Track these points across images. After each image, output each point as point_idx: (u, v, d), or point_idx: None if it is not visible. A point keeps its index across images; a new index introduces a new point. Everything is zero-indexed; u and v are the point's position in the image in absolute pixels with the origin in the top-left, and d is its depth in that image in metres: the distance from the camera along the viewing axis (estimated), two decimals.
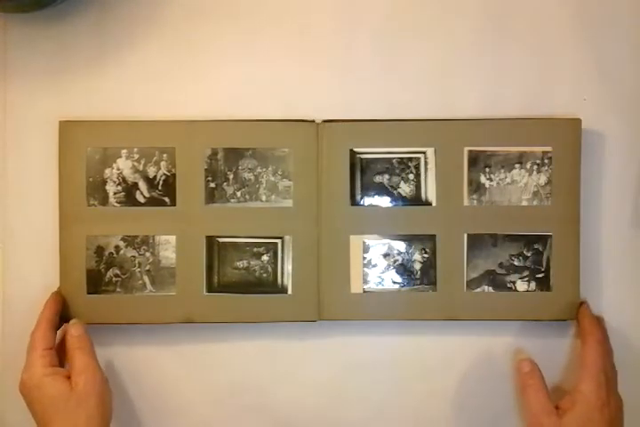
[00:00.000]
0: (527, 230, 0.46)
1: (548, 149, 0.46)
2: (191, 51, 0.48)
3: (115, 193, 0.46)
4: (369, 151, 0.47)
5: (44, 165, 0.48)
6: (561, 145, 0.46)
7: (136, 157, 0.46)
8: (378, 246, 0.47)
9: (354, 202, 0.47)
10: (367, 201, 0.47)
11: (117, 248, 0.46)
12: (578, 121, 0.46)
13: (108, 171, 0.46)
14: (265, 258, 0.46)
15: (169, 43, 0.48)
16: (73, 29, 0.48)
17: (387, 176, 0.47)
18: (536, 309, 0.46)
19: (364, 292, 0.46)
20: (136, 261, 0.46)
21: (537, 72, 0.48)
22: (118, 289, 0.46)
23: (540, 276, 0.46)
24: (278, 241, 0.46)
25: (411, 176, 0.47)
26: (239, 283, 0.46)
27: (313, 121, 0.47)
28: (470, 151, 0.46)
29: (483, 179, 0.46)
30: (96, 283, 0.46)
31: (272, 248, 0.46)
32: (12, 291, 0.48)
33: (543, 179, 0.46)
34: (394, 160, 0.47)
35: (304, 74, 0.48)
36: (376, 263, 0.47)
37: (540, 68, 0.48)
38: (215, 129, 0.47)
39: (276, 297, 0.46)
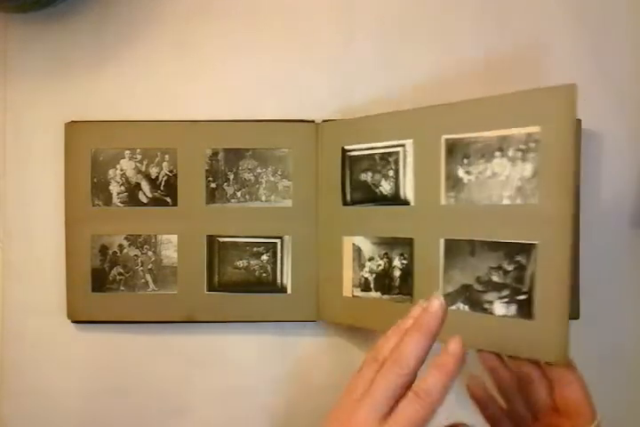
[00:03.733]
0: (508, 237, 0.37)
1: (535, 129, 0.35)
2: (191, 51, 0.48)
3: (118, 193, 0.47)
4: (356, 148, 0.45)
5: (44, 165, 0.48)
6: (553, 124, 0.35)
7: (139, 157, 0.47)
8: (365, 249, 0.44)
9: (345, 202, 0.45)
10: (355, 201, 0.45)
11: (121, 247, 0.47)
12: (572, 87, 0.35)
13: (111, 171, 0.47)
14: (264, 258, 0.47)
15: (169, 43, 0.48)
16: (73, 29, 0.48)
17: (370, 174, 0.44)
18: (514, 340, 0.37)
19: (353, 296, 0.45)
20: (139, 260, 0.47)
21: (537, 72, 0.48)
22: (122, 287, 0.47)
23: (521, 298, 0.36)
24: (277, 241, 0.47)
25: (390, 173, 0.43)
26: (239, 282, 0.47)
27: (313, 121, 0.47)
28: (447, 140, 0.39)
29: (460, 172, 0.39)
30: (100, 281, 0.47)
31: (271, 248, 0.47)
32: (12, 291, 0.49)
33: (529, 169, 0.36)
34: (376, 156, 0.43)
35: (304, 74, 0.48)
36: (363, 267, 0.44)
37: (540, 68, 0.48)
38: (216, 130, 0.47)
39: (276, 297, 0.47)
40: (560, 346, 0.35)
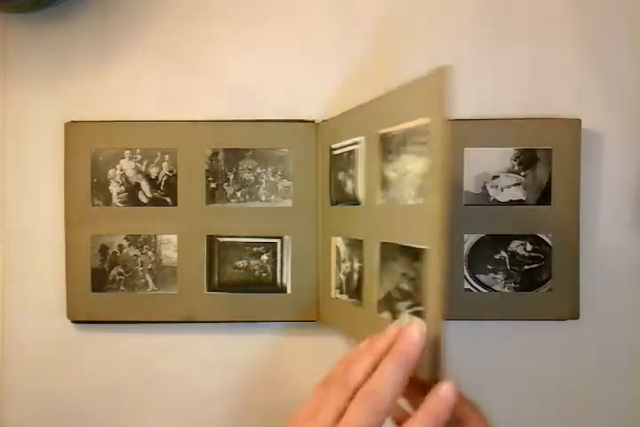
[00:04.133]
0: (411, 240, 0.33)
1: (426, 120, 0.31)
2: (191, 51, 0.48)
3: (118, 193, 0.47)
4: (336, 147, 0.43)
5: (44, 165, 0.48)
6: (435, 114, 0.30)
7: (139, 157, 0.47)
8: (341, 250, 0.43)
9: (331, 201, 0.45)
10: (337, 200, 0.44)
11: (121, 247, 0.47)
12: (444, 71, 0.30)
13: (111, 171, 0.47)
14: (264, 258, 0.47)
15: (169, 43, 0.48)
16: (73, 29, 0.48)
17: (342, 173, 0.43)
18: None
19: (336, 298, 0.44)
20: (138, 260, 0.47)
21: (537, 72, 0.48)
22: (122, 287, 0.47)
23: (419, 309, 0.32)
24: (277, 241, 0.47)
25: (351, 171, 0.41)
26: (239, 282, 0.47)
27: (313, 121, 0.47)
28: (381, 135, 0.36)
29: (388, 170, 0.36)
30: (100, 281, 0.47)
31: (271, 248, 0.47)
32: (11, 291, 0.49)
33: (426, 165, 0.32)
34: (344, 154, 0.42)
35: (304, 74, 0.48)
36: (340, 269, 0.43)
37: (540, 68, 0.48)
38: (216, 130, 0.47)
39: (276, 296, 0.47)
40: (431, 364, 0.30)
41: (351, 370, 0.29)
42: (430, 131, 0.31)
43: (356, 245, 0.40)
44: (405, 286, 0.33)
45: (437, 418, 0.27)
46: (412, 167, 0.33)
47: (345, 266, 0.42)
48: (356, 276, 0.40)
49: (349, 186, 0.41)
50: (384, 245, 0.36)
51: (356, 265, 0.40)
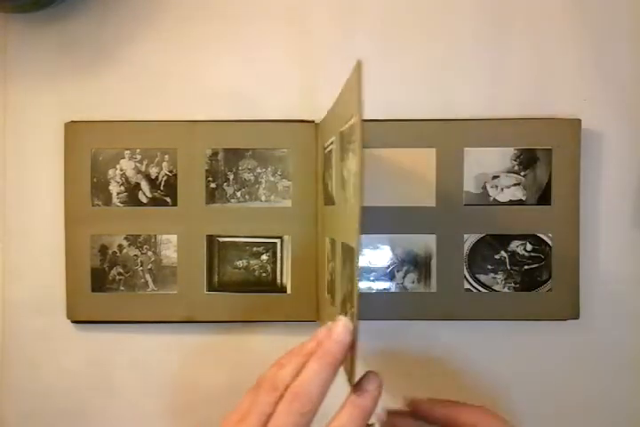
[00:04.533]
0: (349, 239, 0.32)
1: (355, 119, 0.29)
2: (191, 51, 0.48)
3: (118, 193, 0.47)
4: (325, 146, 0.42)
5: (44, 165, 0.48)
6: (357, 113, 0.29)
7: (138, 157, 0.47)
8: (329, 250, 0.41)
9: (325, 201, 0.44)
10: (326, 201, 0.43)
11: (120, 247, 0.47)
12: (358, 65, 0.28)
13: (111, 171, 0.47)
14: (264, 257, 0.47)
15: (169, 43, 0.48)
16: (73, 29, 0.48)
17: (327, 173, 0.42)
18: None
19: (326, 298, 0.43)
20: (138, 260, 0.47)
21: (537, 72, 0.48)
22: (121, 287, 0.47)
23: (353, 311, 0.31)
24: (277, 241, 0.47)
25: (330, 171, 0.40)
26: (239, 282, 0.47)
27: (313, 121, 0.47)
28: (340, 133, 0.35)
29: (344, 169, 0.34)
30: (100, 281, 0.47)
31: (271, 248, 0.47)
32: (11, 291, 0.49)
33: (354, 164, 0.30)
34: (327, 155, 0.41)
35: (304, 74, 0.48)
36: (327, 269, 0.42)
37: (540, 68, 0.48)
38: (215, 130, 0.47)
39: (276, 296, 0.47)
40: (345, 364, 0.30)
41: (279, 372, 0.29)
42: (355, 130, 0.29)
43: (334, 246, 0.39)
44: (350, 287, 0.32)
45: (363, 413, 0.28)
46: (351, 166, 0.31)
47: (330, 266, 0.41)
48: (333, 276, 0.39)
49: (330, 186, 0.40)
50: (343, 245, 0.34)
51: (333, 265, 0.39)
